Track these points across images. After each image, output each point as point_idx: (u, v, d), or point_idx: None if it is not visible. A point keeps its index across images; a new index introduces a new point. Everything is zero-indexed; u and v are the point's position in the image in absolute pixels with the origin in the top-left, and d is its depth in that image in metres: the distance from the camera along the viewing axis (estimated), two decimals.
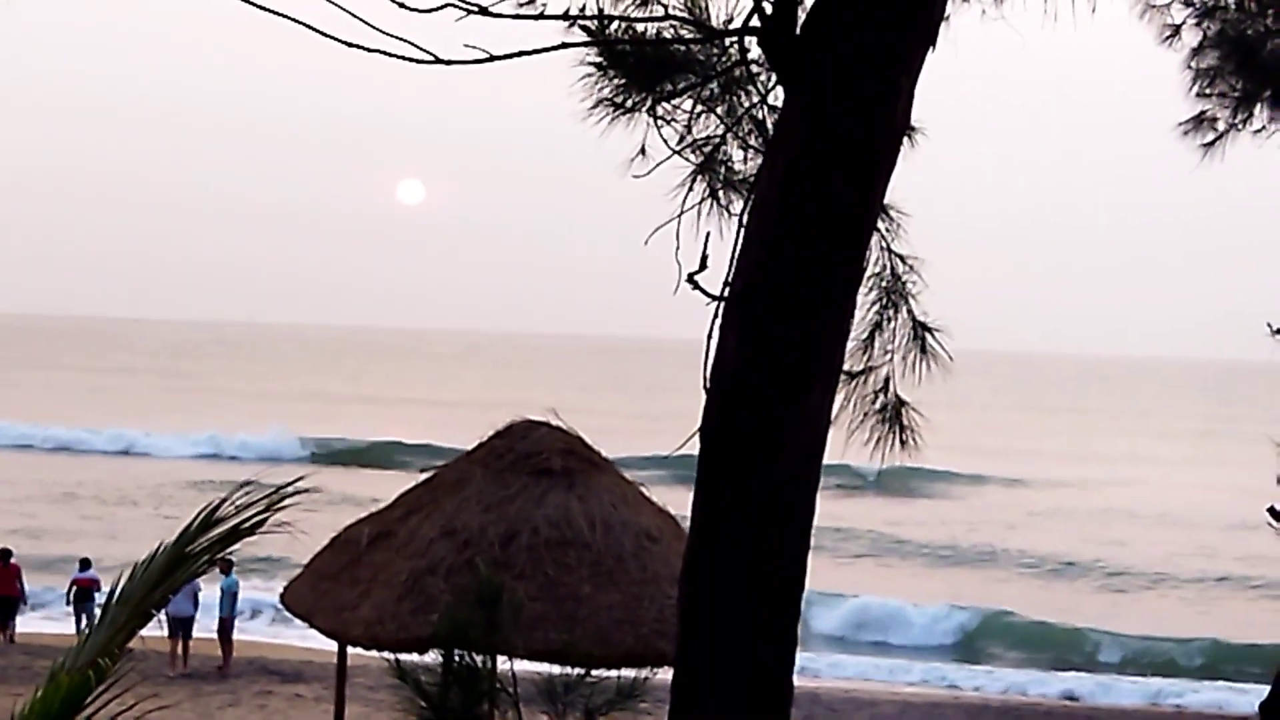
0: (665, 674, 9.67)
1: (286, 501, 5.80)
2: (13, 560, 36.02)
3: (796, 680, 8.54)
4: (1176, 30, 17.40)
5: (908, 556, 56.79)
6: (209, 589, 32.08)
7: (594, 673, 8.51)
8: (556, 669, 8.65)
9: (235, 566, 32.72)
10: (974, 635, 42.64)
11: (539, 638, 17.79)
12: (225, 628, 33.02)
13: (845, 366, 8.82)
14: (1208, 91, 17.74)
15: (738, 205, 9.81)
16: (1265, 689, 18.51)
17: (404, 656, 14.56)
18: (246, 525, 5.71)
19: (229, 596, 32.75)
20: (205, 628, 34.89)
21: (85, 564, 36.50)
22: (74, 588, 35.51)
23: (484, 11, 8.42)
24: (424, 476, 22.75)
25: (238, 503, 5.78)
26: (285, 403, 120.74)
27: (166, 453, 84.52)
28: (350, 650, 22.08)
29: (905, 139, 8.59)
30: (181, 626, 31.94)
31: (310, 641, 30.17)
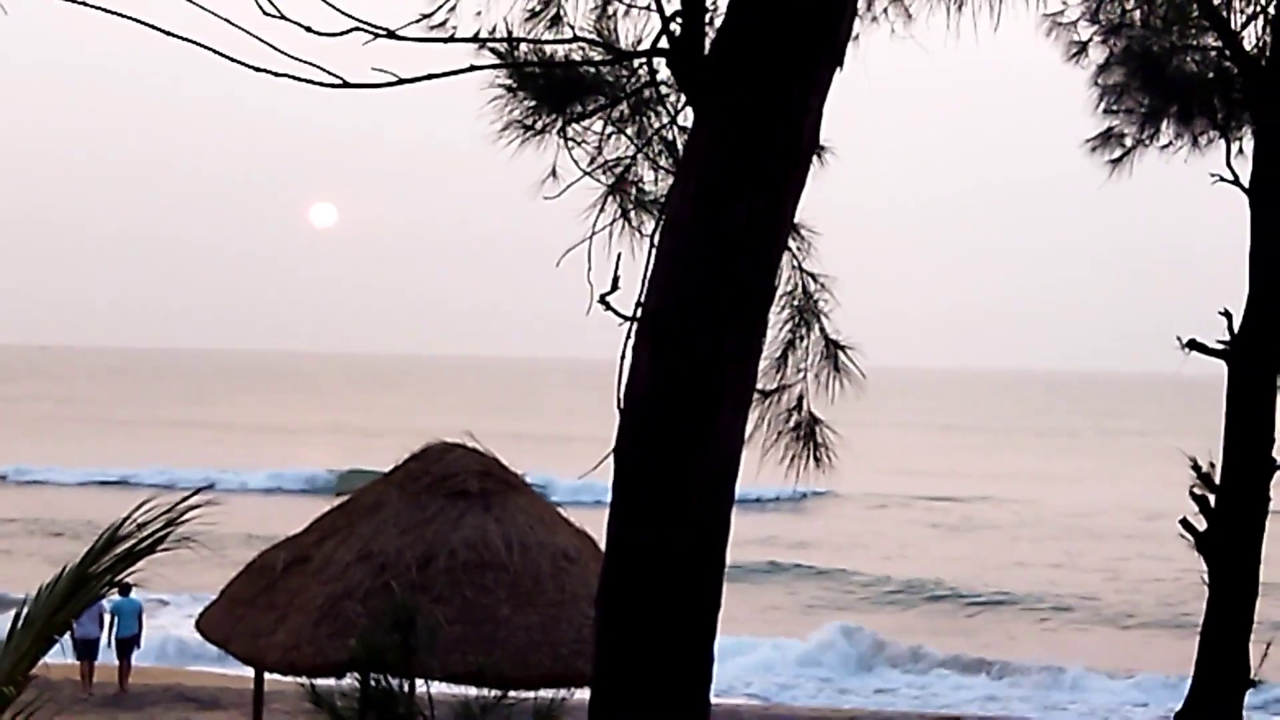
0: (584, 694, 9.65)
1: (187, 517, 5.73)
2: None
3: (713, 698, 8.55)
4: (1083, 47, 17.60)
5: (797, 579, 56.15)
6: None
7: (512, 694, 8.48)
8: (474, 691, 8.63)
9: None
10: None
11: (457, 660, 17.73)
12: (124, 647, 33.00)
13: (758, 385, 8.84)
14: (1115, 108, 17.94)
15: (649, 226, 9.85)
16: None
17: (321, 681, 14.46)
18: (146, 544, 5.63)
19: (131, 617, 32.68)
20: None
21: None
22: None
23: (392, 35, 8.40)
24: (339, 500, 22.64)
25: (138, 521, 5.69)
26: (193, 430, 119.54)
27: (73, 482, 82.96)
28: (267, 676, 21.93)
29: (815, 158, 8.63)
30: (88, 649, 32.00)
31: (227, 668, 30.01)
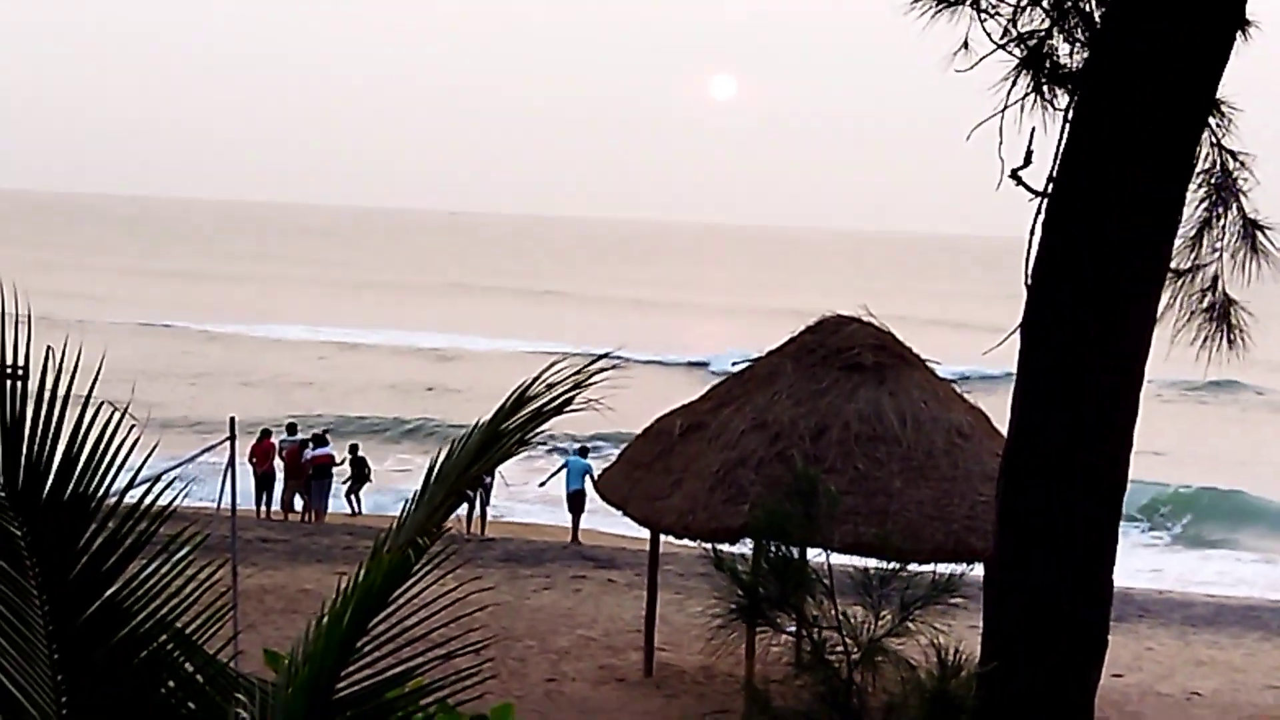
0: (977, 570, 9.64)
1: (592, 381, 5.83)
2: (270, 438, 37.66)
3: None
4: None
5: None
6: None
7: (908, 568, 8.52)
8: (866, 563, 8.68)
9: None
10: None
11: (850, 531, 17.90)
12: (571, 502, 35.26)
13: (1172, 264, 8.64)
14: None
15: (1063, 100, 9.62)
16: None
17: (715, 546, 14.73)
18: (554, 404, 5.77)
19: (578, 475, 34.79)
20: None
21: (321, 441, 38.07)
22: (311, 466, 36.99)
23: None
24: (736, 370, 22.93)
25: (548, 381, 5.83)
26: (589, 303, 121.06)
27: None
28: (661, 538, 22.45)
29: (1238, 32, 8.34)
30: (482, 494, 35.05)
31: (622, 529, 30.85)
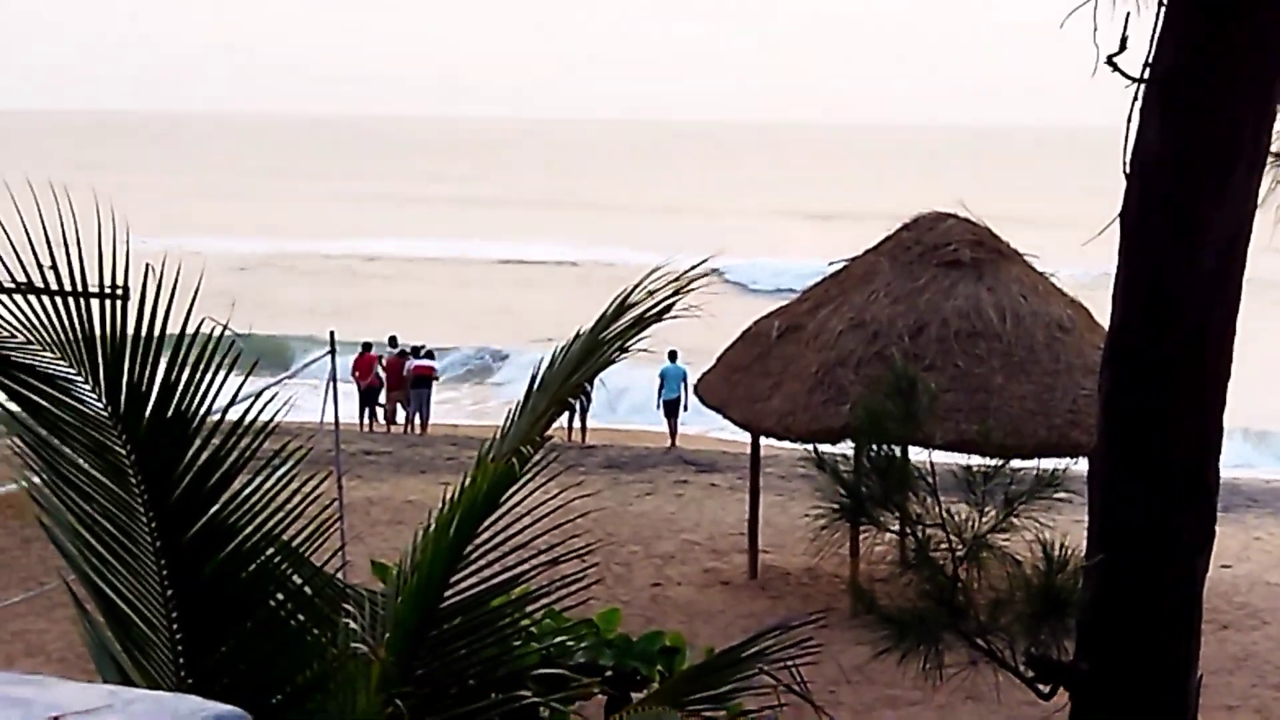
0: (1081, 465, 9.54)
1: (693, 287, 5.78)
2: (372, 351, 37.77)
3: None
4: None
5: None
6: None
7: (1011, 464, 8.46)
8: (966, 460, 8.62)
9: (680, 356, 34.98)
10: None
11: (951, 428, 17.82)
12: (670, 409, 35.42)
13: (1273, 148, 8.48)
14: None
15: None
16: None
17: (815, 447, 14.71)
18: (654, 311, 5.73)
19: (675, 382, 34.69)
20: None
21: (425, 353, 38.22)
22: (411, 375, 37.08)
23: None
24: (832, 269, 22.84)
25: (648, 288, 5.78)
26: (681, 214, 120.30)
27: None
28: (761, 440, 22.46)
29: None
30: (583, 401, 34.30)
31: (723, 433, 30.89)
